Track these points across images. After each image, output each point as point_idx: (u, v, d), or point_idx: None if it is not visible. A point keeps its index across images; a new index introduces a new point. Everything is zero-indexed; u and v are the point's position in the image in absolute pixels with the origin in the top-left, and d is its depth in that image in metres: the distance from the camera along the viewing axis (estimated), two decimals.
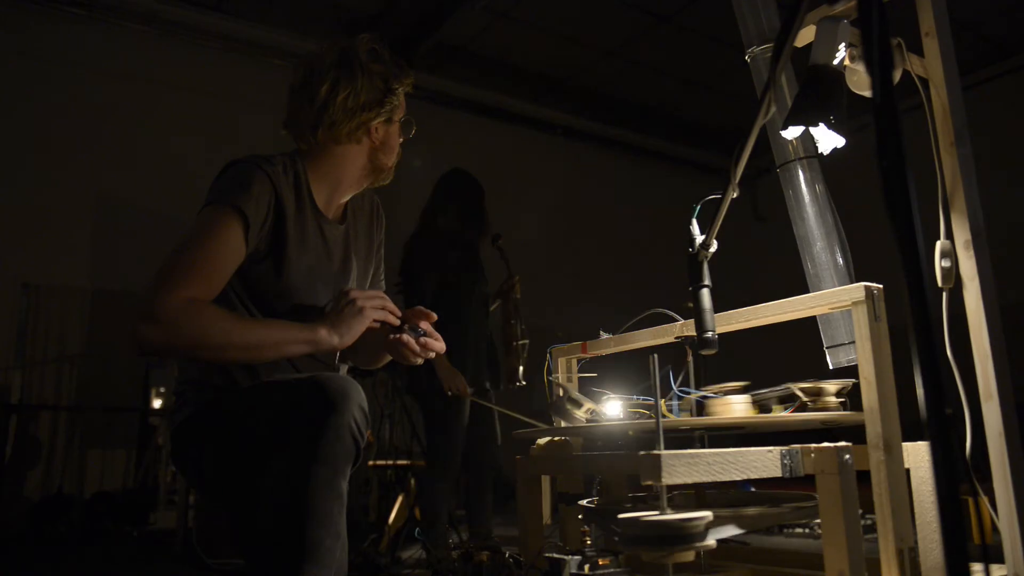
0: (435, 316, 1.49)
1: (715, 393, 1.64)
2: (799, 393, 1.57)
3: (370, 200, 1.72)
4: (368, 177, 1.60)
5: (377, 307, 1.39)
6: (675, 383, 1.63)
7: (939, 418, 0.57)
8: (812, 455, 1.40)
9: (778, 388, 1.63)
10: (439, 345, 1.48)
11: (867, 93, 1.48)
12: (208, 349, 1.28)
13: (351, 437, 1.22)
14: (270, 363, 1.42)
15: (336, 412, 1.20)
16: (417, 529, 2.80)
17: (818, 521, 1.38)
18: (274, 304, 1.45)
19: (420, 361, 1.48)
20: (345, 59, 1.52)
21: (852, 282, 1.56)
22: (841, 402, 1.60)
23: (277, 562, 1.18)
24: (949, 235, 1.49)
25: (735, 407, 1.61)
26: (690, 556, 1.34)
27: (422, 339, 1.46)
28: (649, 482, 1.30)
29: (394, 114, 1.57)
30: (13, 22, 5.24)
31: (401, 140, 1.62)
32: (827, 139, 1.52)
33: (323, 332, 1.33)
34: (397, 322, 1.44)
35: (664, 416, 1.43)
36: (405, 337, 1.44)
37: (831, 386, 1.58)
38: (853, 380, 1.55)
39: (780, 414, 1.60)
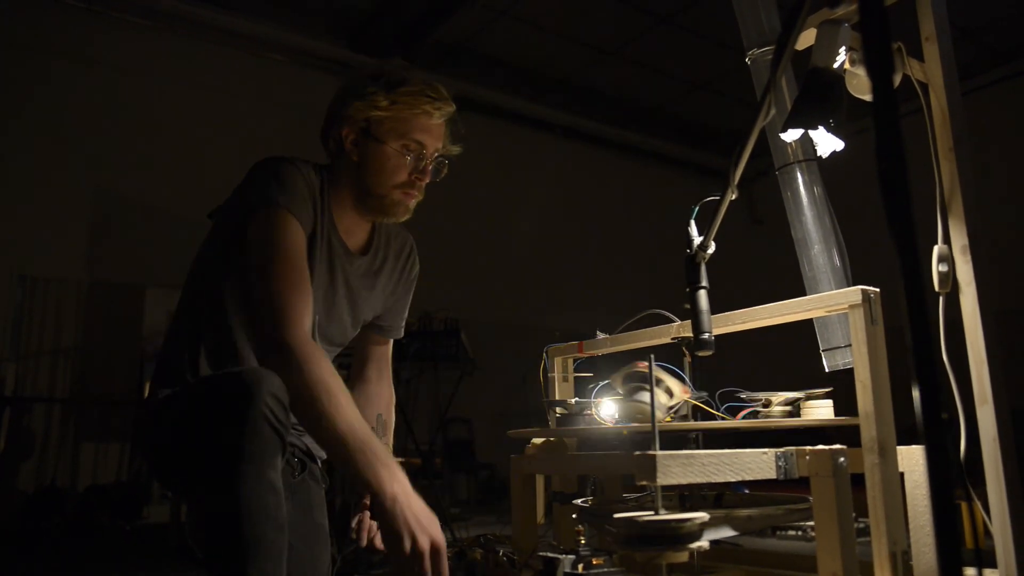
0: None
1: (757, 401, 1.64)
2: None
3: (403, 240, 1.69)
4: (366, 205, 1.52)
5: (424, 547, 1.16)
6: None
7: (934, 422, 0.58)
8: (807, 457, 1.40)
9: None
10: None
11: (867, 97, 1.48)
12: (304, 402, 1.21)
13: (269, 427, 1.17)
14: (226, 357, 1.41)
15: (248, 404, 1.16)
16: None
17: (812, 524, 1.38)
18: None
19: None
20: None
21: (849, 285, 1.56)
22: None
23: (224, 560, 1.16)
24: (947, 239, 1.49)
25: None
26: (684, 557, 1.34)
27: None
28: (644, 482, 1.30)
29: (375, 129, 1.48)
30: (11, 14, 5.22)
31: (421, 177, 1.51)
32: (826, 142, 1.52)
33: (395, 483, 1.18)
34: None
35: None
36: None
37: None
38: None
39: (775, 419, 1.61)
